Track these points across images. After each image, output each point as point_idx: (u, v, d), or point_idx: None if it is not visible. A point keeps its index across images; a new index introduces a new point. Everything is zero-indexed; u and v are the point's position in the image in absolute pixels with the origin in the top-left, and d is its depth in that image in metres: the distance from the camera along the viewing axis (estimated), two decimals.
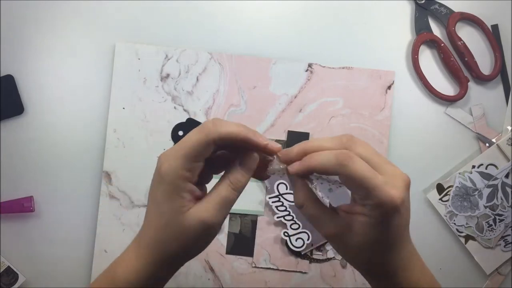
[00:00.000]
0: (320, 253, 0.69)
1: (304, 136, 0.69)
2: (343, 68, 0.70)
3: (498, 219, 0.69)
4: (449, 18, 0.71)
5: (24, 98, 0.69)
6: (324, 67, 0.70)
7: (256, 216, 0.69)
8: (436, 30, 0.72)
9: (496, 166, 0.70)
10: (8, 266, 0.67)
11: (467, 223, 0.70)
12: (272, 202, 0.68)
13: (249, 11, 0.71)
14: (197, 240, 0.44)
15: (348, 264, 0.68)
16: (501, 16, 0.72)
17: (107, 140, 0.69)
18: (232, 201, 0.45)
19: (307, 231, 0.68)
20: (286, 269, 0.69)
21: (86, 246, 0.69)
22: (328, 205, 0.47)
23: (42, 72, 0.70)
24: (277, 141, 0.69)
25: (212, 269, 0.69)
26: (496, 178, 0.70)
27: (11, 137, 0.69)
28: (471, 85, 0.71)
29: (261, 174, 0.46)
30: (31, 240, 0.69)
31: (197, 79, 0.70)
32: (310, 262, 0.69)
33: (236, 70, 0.70)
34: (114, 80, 0.69)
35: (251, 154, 0.45)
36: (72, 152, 0.69)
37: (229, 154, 0.46)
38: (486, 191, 0.70)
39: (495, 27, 0.72)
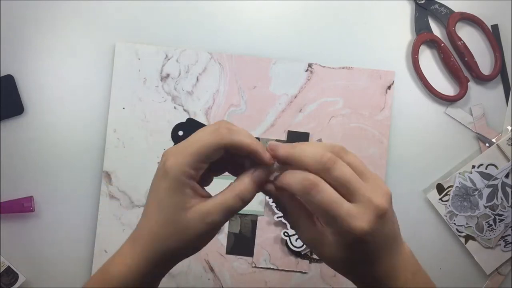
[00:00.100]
0: None
1: (304, 136, 0.69)
2: (343, 68, 0.70)
3: (498, 219, 0.69)
4: (449, 18, 0.71)
5: (24, 98, 0.69)
6: (324, 67, 0.70)
7: (256, 216, 0.69)
8: (436, 30, 0.72)
9: (496, 166, 0.70)
10: (8, 266, 0.67)
11: (467, 223, 0.70)
12: (272, 202, 0.68)
13: (249, 11, 0.71)
14: (197, 238, 0.44)
15: None
16: (501, 16, 0.72)
17: (107, 140, 0.69)
18: (236, 211, 0.45)
19: None
20: (286, 269, 0.69)
21: (86, 246, 0.69)
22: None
23: (42, 72, 0.70)
24: (277, 141, 0.69)
25: (212, 269, 0.69)
26: (496, 178, 0.70)
27: (11, 137, 0.69)
28: (471, 85, 0.71)
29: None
30: (31, 240, 0.69)
31: (197, 79, 0.70)
32: (310, 262, 0.69)
33: (236, 70, 0.70)
34: (114, 80, 0.69)
35: (265, 171, 0.45)
36: (72, 152, 0.69)
37: (230, 157, 0.46)
38: (486, 191, 0.70)
39: (495, 27, 0.72)
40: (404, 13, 0.72)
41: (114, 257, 0.46)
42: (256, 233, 0.69)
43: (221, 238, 0.69)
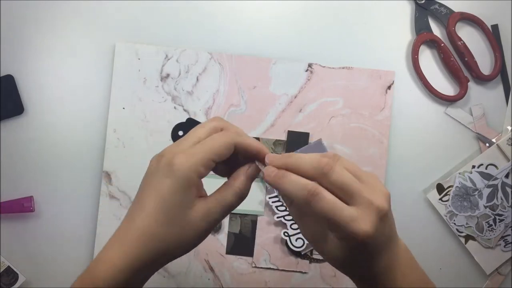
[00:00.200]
0: None
1: (304, 136, 0.69)
2: (343, 68, 0.70)
3: (498, 219, 0.69)
4: (449, 18, 0.71)
5: (24, 98, 0.69)
6: (324, 67, 0.70)
7: (256, 216, 0.69)
8: (436, 30, 0.72)
9: (496, 166, 0.70)
10: (8, 266, 0.67)
11: (467, 223, 0.70)
12: (272, 202, 0.68)
13: (249, 11, 0.71)
14: (196, 236, 0.44)
15: None
16: (501, 16, 0.72)
17: (107, 140, 0.69)
18: (234, 207, 0.46)
19: None
20: (286, 269, 0.69)
21: (86, 246, 0.69)
22: None
23: (42, 72, 0.70)
24: (277, 141, 0.69)
25: (212, 269, 0.69)
26: (496, 178, 0.70)
27: (11, 137, 0.69)
28: (471, 85, 0.71)
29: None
30: (31, 240, 0.69)
31: (197, 79, 0.70)
32: (310, 262, 0.69)
33: (236, 70, 0.70)
34: (114, 80, 0.69)
35: (257, 168, 0.46)
36: (72, 152, 0.69)
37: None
38: (486, 191, 0.70)
39: (495, 27, 0.72)
40: (404, 13, 0.72)
41: (99, 259, 0.44)
42: (256, 233, 0.69)
43: (221, 238, 0.69)
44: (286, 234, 0.68)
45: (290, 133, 0.69)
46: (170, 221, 0.43)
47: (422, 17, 0.71)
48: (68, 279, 0.69)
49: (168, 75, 0.70)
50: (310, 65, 0.70)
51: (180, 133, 0.69)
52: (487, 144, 0.70)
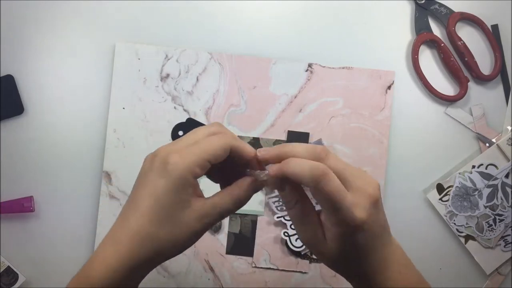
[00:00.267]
0: None
1: (304, 136, 0.69)
2: (343, 68, 0.70)
3: (498, 219, 0.69)
4: (449, 18, 0.71)
5: (24, 98, 0.69)
6: (324, 67, 0.70)
7: (256, 216, 0.69)
8: (436, 30, 0.72)
9: (496, 166, 0.70)
10: (8, 266, 0.67)
11: (467, 223, 0.70)
12: (272, 202, 0.68)
13: (249, 11, 0.71)
14: (190, 237, 0.44)
15: None
16: (501, 16, 0.72)
17: (107, 140, 0.69)
18: (231, 214, 0.47)
19: None
20: (286, 269, 0.69)
21: (86, 246, 0.69)
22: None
23: (42, 72, 0.70)
24: (277, 141, 0.69)
25: (212, 269, 0.69)
26: (496, 178, 0.70)
27: (11, 137, 0.69)
28: (471, 85, 0.71)
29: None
30: (31, 240, 0.69)
31: (197, 79, 0.70)
32: (310, 262, 0.69)
33: (236, 70, 0.70)
34: (114, 80, 0.69)
35: (252, 174, 0.46)
36: (72, 152, 0.69)
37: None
38: (486, 191, 0.70)
39: (495, 27, 0.72)
40: (404, 13, 0.72)
41: (92, 260, 0.44)
42: (256, 233, 0.69)
43: (221, 238, 0.69)
44: (286, 234, 0.68)
45: (290, 133, 0.69)
46: (164, 221, 0.43)
47: (422, 17, 0.71)
48: (68, 279, 0.69)
49: (168, 75, 0.70)
50: (310, 65, 0.70)
51: (180, 133, 0.69)
52: (487, 144, 0.70)
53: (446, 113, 0.71)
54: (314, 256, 0.69)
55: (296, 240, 0.68)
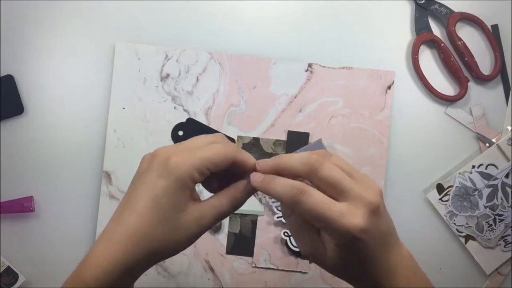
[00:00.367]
0: None
1: (304, 136, 0.69)
2: (343, 68, 0.70)
3: (498, 219, 0.69)
4: (449, 18, 0.71)
5: (24, 98, 0.69)
6: (324, 67, 0.70)
7: (256, 216, 0.69)
8: (436, 30, 0.72)
9: (496, 166, 0.70)
10: (8, 266, 0.67)
11: (467, 223, 0.70)
12: (272, 202, 0.68)
13: (249, 11, 0.71)
14: (187, 239, 0.44)
15: None
16: (501, 16, 0.72)
17: (107, 140, 0.69)
18: (227, 216, 0.46)
19: None
20: (286, 269, 0.69)
21: (86, 246, 0.69)
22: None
23: (42, 72, 0.70)
24: (277, 141, 0.69)
25: (212, 269, 0.69)
26: (496, 178, 0.70)
27: (11, 137, 0.69)
28: (471, 85, 0.71)
29: None
30: (31, 240, 0.69)
31: (197, 79, 0.70)
32: (310, 262, 0.69)
33: (236, 70, 0.70)
34: (114, 80, 0.69)
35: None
36: (72, 152, 0.69)
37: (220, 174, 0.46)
38: (486, 191, 0.70)
39: (495, 27, 0.72)
40: (404, 13, 0.72)
41: (86, 261, 0.44)
42: (256, 233, 0.69)
43: (221, 238, 0.69)
44: (286, 234, 0.68)
45: (290, 133, 0.69)
46: (162, 222, 0.43)
47: (422, 17, 0.71)
48: None
49: (168, 75, 0.70)
50: (310, 65, 0.70)
51: (180, 133, 0.69)
52: (487, 144, 0.70)
53: (446, 113, 0.71)
54: None
55: None
